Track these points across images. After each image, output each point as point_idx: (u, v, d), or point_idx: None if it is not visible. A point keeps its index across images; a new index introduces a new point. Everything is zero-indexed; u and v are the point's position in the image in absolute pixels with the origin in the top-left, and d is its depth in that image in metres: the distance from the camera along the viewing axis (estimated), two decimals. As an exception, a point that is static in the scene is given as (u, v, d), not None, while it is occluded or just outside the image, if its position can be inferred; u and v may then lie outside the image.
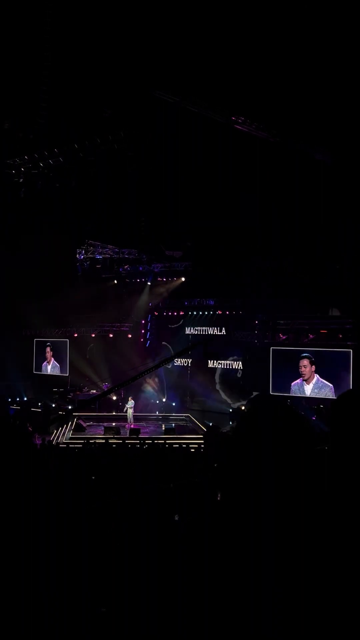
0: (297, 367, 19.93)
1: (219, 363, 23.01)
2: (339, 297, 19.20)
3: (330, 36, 9.16)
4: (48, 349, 26.63)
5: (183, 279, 24.38)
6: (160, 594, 1.69)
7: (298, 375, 20.00)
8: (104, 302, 25.51)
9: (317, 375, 19.52)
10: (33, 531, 1.52)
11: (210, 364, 23.16)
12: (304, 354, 19.82)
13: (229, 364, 22.96)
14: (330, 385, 18.96)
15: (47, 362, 26.76)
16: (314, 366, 19.64)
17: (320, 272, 18.80)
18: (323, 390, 19.33)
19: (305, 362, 19.71)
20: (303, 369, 19.79)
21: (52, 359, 26.65)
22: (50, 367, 26.77)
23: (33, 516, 1.53)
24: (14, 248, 19.32)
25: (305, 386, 19.86)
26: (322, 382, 19.41)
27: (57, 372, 26.45)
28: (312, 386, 19.68)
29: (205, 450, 17.33)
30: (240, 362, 22.63)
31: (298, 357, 19.99)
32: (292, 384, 20.21)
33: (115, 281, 26.15)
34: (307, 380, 19.76)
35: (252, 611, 1.32)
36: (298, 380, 20.21)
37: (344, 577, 1.38)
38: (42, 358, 27.03)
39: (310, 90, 10.40)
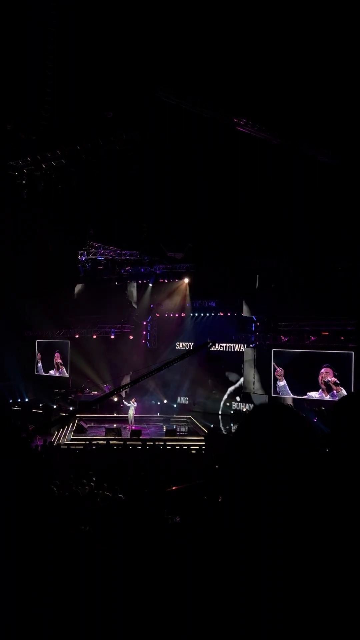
0: (297, 368, 19.82)
1: (219, 351, 22.52)
2: (340, 298, 19.14)
3: (332, 34, 9.16)
4: (57, 356, 26.51)
5: (186, 280, 24.33)
6: (160, 594, 1.69)
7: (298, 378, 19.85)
8: (105, 303, 25.50)
9: (342, 389, 17.91)
10: (32, 531, 1.52)
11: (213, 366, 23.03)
12: (326, 364, 18.77)
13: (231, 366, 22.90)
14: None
15: (55, 370, 26.69)
16: (335, 379, 18.37)
17: (321, 273, 18.76)
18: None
19: (325, 370, 18.67)
20: (321, 377, 18.65)
21: (59, 365, 26.58)
22: (53, 371, 26.77)
23: (32, 516, 1.53)
24: (16, 249, 19.34)
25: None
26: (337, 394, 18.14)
27: (58, 373, 26.45)
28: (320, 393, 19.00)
29: (206, 452, 17.35)
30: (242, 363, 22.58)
31: (302, 360, 19.78)
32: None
33: (117, 282, 26.15)
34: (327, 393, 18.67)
35: (252, 611, 1.32)
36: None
37: (345, 577, 1.38)
38: (49, 364, 26.93)
39: (311, 90, 10.40)
